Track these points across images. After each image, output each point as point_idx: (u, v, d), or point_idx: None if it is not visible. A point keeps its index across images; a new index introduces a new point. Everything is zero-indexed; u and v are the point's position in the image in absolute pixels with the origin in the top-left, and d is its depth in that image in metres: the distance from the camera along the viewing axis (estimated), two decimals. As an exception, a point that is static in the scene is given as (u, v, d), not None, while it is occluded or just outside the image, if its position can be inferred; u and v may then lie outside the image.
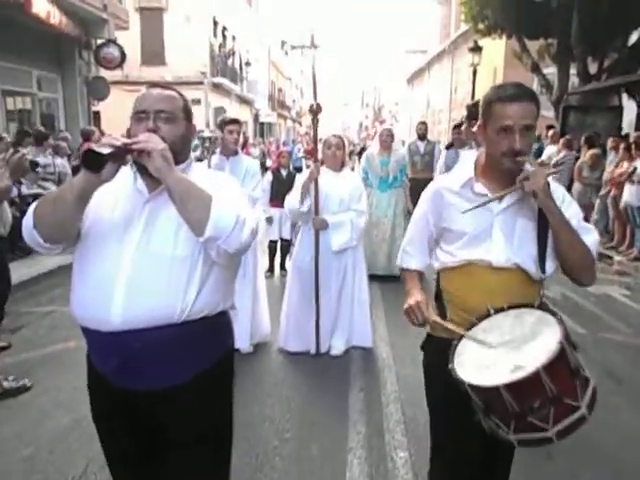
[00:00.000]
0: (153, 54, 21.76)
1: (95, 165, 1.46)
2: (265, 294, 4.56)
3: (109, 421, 1.74)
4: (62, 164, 8.72)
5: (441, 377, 1.68)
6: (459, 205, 1.82)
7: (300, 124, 54.64)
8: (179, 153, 1.64)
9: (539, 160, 10.81)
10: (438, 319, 1.78)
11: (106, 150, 1.46)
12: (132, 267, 1.55)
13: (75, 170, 9.43)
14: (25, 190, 7.38)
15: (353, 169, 8.21)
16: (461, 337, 1.70)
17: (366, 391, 3.66)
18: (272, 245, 7.09)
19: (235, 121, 4.43)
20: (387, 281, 6.17)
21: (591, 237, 1.80)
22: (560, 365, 1.48)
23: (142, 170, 1.58)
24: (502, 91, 1.72)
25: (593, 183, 8.76)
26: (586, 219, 7.13)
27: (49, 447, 2.99)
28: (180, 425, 1.66)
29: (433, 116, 32.95)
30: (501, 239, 1.78)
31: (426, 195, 1.96)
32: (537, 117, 1.73)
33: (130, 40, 16.60)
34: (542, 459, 2.79)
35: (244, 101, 29.38)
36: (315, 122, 4.28)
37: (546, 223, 1.74)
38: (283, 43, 42.16)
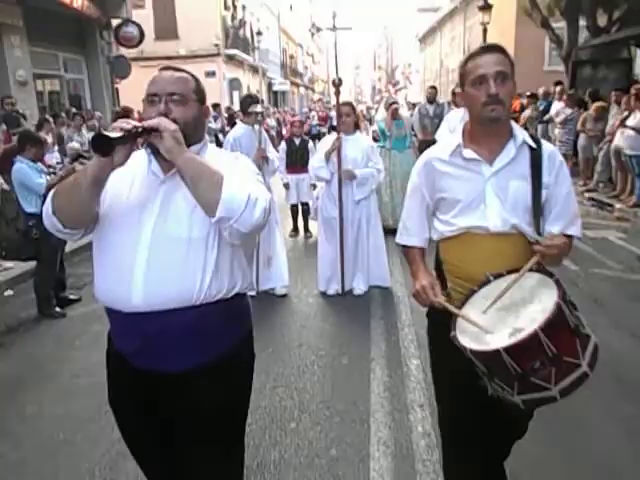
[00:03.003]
0: (166, 29, 22.05)
1: (105, 149, 1.45)
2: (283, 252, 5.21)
3: (126, 403, 1.77)
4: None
5: (445, 345, 1.70)
6: (451, 173, 1.84)
7: (313, 91, 54.44)
8: (192, 135, 1.64)
9: (547, 116, 11.18)
10: (444, 302, 1.76)
11: (115, 134, 1.45)
12: (150, 250, 1.57)
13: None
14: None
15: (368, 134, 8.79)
16: (463, 305, 1.72)
17: (385, 319, 4.37)
18: (294, 208, 7.73)
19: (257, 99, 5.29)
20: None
21: (574, 226, 1.82)
22: (558, 325, 1.49)
23: (156, 152, 1.58)
24: (473, 51, 1.80)
25: (597, 135, 9.15)
26: (591, 172, 7.64)
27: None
28: (197, 405, 1.67)
29: (446, 76, 32.75)
30: (496, 203, 1.78)
31: (418, 168, 1.96)
32: (512, 69, 1.75)
33: (143, 16, 17.01)
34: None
35: (257, 71, 29.58)
36: (337, 95, 4.88)
37: (539, 183, 1.77)
38: (291, 7, 42.02)
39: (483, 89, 1.71)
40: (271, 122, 18.69)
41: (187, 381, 1.64)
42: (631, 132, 7.66)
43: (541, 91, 12.58)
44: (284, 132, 17.46)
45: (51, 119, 8.77)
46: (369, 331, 4.16)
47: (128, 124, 1.48)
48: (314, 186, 6.57)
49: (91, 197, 1.56)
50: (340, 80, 4.87)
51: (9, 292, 5.66)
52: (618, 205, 8.09)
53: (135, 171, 1.66)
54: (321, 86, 62.05)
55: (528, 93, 13.02)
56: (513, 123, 1.83)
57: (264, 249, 4.99)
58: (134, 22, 13.59)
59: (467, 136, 1.85)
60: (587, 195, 9.02)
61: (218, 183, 1.49)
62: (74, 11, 11.50)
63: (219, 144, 11.25)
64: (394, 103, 7.38)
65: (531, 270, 1.66)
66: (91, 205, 1.59)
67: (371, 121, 14.08)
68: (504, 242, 1.77)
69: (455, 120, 3.77)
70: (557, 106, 10.75)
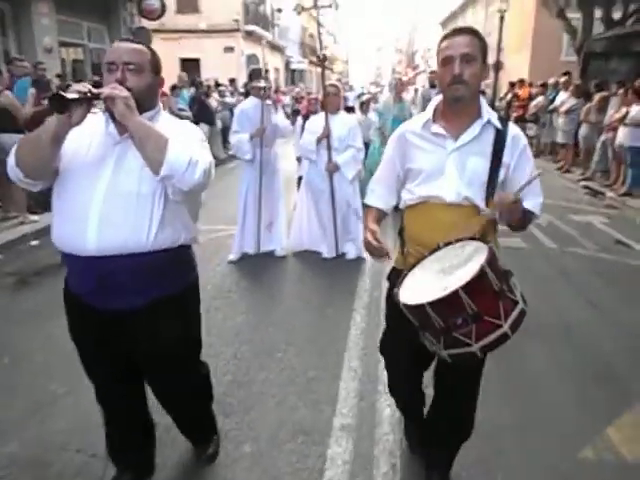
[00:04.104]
0: (188, 2, 22.24)
1: (59, 107, 1.61)
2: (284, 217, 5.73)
3: (84, 337, 1.99)
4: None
5: (397, 307, 1.78)
6: (419, 145, 1.97)
7: (332, 70, 54.31)
8: (145, 101, 1.81)
9: (552, 106, 11.46)
10: (382, 246, 1.92)
11: (71, 95, 1.61)
12: (103, 202, 1.74)
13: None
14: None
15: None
16: (411, 268, 1.85)
17: (371, 279, 4.87)
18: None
19: (266, 71, 5.70)
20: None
21: (532, 201, 1.92)
22: (480, 286, 1.58)
23: (113, 116, 1.74)
24: (446, 33, 1.89)
25: (599, 125, 9.41)
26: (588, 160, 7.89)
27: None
28: (146, 340, 1.92)
29: (465, 62, 32.58)
30: (453, 175, 1.88)
31: (392, 139, 2.09)
32: (481, 52, 1.83)
33: (165, -12, 17.26)
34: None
35: (275, 48, 29.78)
36: (323, 70, 5.26)
37: (498, 162, 1.88)
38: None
39: (449, 69, 1.81)
40: (286, 100, 19.05)
41: (136, 318, 1.87)
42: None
43: (551, 81, 12.84)
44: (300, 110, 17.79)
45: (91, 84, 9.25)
46: (356, 287, 4.66)
47: (84, 87, 1.66)
48: (299, 159, 6.86)
49: (51, 152, 1.72)
50: (324, 56, 5.24)
51: (35, 242, 6.22)
52: (609, 194, 8.45)
53: (94, 131, 1.84)
54: (340, 66, 61.83)
55: (540, 82, 13.28)
56: (483, 103, 1.94)
57: (266, 215, 5.46)
58: (156, -6, 13.93)
59: (439, 112, 1.97)
60: (582, 184, 9.37)
61: (163, 145, 1.68)
62: (99, -19, 11.92)
63: (234, 118, 11.68)
64: (400, 79, 7.79)
65: (473, 239, 1.80)
66: (50, 159, 1.74)
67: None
68: (458, 212, 1.89)
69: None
70: (562, 96, 11.02)
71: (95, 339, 1.96)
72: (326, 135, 5.11)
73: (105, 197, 1.75)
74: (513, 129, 1.93)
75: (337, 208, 5.27)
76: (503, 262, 1.72)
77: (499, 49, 19.02)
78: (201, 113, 11.73)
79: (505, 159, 1.88)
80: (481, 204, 1.88)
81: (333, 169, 5.16)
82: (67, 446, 2.61)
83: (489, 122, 1.90)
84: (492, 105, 12.89)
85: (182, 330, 2.02)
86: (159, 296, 1.88)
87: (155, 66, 1.87)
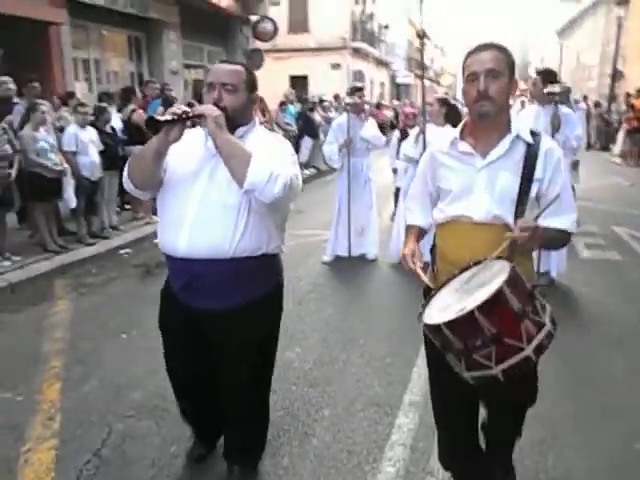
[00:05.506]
0: (298, 23, 23.33)
1: (153, 129, 1.80)
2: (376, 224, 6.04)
3: (170, 326, 2.20)
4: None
5: None
6: (448, 164, 1.93)
7: (438, 84, 53.73)
8: (239, 118, 1.97)
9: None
10: (417, 270, 1.88)
11: (162, 118, 1.79)
12: (197, 210, 1.92)
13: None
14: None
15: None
16: (440, 287, 1.79)
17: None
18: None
19: (360, 89, 6.05)
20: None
21: (562, 219, 1.85)
22: (498, 307, 1.53)
23: None
24: (471, 48, 1.85)
25: None
26: None
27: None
28: (228, 339, 2.07)
29: (582, 72, 31.05)
30: (483, 194, 1.83)
31: (424, 157, 2.10)
32: (508, 67, 1.79)
33: (277, 10, 18.37)
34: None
35: (381, 63, 30.30)
36: (422, 46, 5.24)
37: (529, 177, 1.81)
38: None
39: (474, 85, 1.78)
40: (389, 114, 19.44)
41: (216, 319, 2.03)
42: None
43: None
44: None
45: (196, 103, 10.34)
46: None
47: (179, 109, 1.86)
48: (395, 170, 7.09)
49: (154, 166, 1.95)
50: (424, 32, 5.10)
51: (157, 240, 7.10)
52: None
53: (195, 145, 2.02)
54: (449, 80, 60.68)
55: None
56: (514, 118, 1.90)
57: (357, 221, 5.82)
58: (270, 18, 14.98)
59: (467, 129, 1.92)
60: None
61: (246, 161, 1.82)
62: (220, 9, 13.12)
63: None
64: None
65: (500, 258, 1.70)
66: (154, 172, 1.97)
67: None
68: (487, 231, 1.82)
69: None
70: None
71: (179, 329, 2.19)
72: (422, 130, 5.17)
73: (198, 206, 1.93)
74: (546, 142, 1.87)
75: None
76: (531, 282, 1.67)
77: (616, 57, 18.00)
78: (306, 127, 12.50)
79: (538, 174, 1.83)
80: (510, 222, 1.82)
81: None
82: (181, 398, 3.15)
83: (518, 137, 1.85)
84: (605, 117, 12.28)
85: (257, 335, 2.14)
86: (240, 301, 2.02)
87: (250, 85, 2.01)
